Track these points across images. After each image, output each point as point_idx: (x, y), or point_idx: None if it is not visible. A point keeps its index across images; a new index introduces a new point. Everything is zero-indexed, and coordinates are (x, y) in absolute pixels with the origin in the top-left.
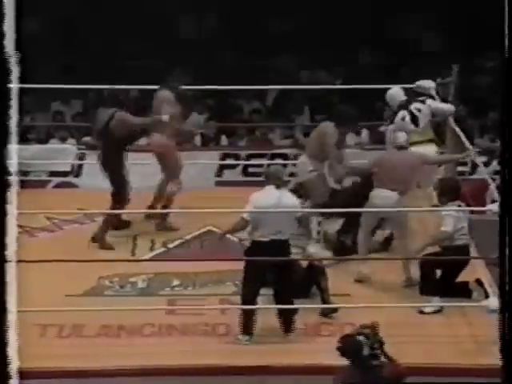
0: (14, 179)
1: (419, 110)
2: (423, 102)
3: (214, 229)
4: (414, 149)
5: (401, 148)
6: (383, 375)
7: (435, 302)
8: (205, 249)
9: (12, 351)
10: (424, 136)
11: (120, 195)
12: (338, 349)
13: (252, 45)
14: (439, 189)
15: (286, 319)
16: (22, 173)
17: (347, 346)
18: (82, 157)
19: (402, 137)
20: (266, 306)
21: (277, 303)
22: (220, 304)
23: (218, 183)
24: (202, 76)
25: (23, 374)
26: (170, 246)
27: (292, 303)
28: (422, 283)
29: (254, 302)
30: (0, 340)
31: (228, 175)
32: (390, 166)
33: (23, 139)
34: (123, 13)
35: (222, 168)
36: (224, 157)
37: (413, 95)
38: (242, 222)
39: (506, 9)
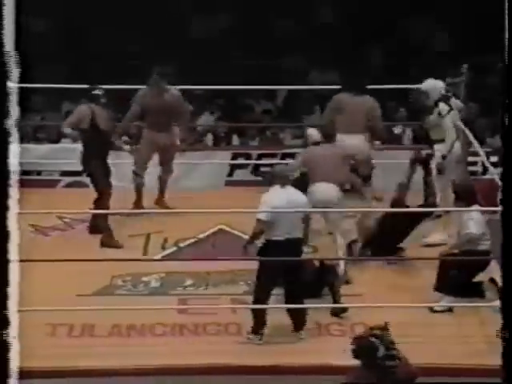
0: (15, 179)
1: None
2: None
3: (226, 228)
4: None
5: (318, 143)
6: (398, 376)
7: (446, 302)
8: (217, 248)
9: (13, 351)
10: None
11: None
12: (353, 351)
13: (262, 45)
14: (455, 194)
15: (298, 318)
16: (34, 172)
17: (362, 348)
18: None
19: (315, 134)
20: (276, 306)
21: (288, 302)
22: (232, 304)
23: (229, 183)
24: (213, 76)
25: (33, 374)
26: (182, 245)
27: (303, 302)
28: (437, 280)
29: (266, 302)
30: (1, 340)
31: (239, 175)
32: (320, 161)
33: (34, 139)
34: (135, 12)
35: (232, 168)
36: (235, 157)
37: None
38: (260, 224)
39: (506, 9)
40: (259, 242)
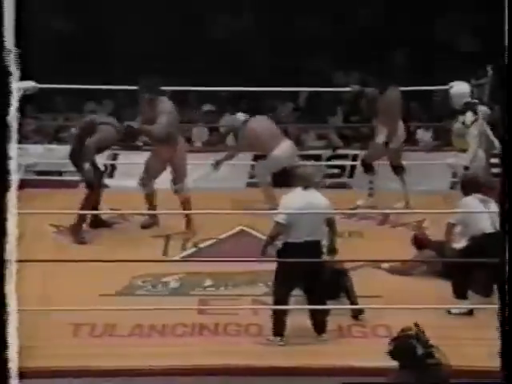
0: (14, 179)
1: (487, 113)
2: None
3: (247, 229)
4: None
5: None
6: (440, 373)
7: (465, 305)
8: (237, 249)
9: (12, 351)
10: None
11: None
12: (390, 352)
13: (285, 45)
14: (460, 185)
15: (319, 320)
16: (55, 173)
17: (400, 348)
18: (114, 157)
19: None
20: (297, 307)
21: (309, 304)
22: (252, 304)
23: (250, 184)
24: (237, 77)
25: (56, 373)
26: (202, 245)
27: (324, 304)
28: (454, 284)
29: (286, 304)
30: (1, 340)
31: None
32: None
33: (56, 139)
34: (156, 14)
35: (253, 169)
36: (256, 158)
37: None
38: (279, 226)
39: (506, 9)
40: (278, 243)
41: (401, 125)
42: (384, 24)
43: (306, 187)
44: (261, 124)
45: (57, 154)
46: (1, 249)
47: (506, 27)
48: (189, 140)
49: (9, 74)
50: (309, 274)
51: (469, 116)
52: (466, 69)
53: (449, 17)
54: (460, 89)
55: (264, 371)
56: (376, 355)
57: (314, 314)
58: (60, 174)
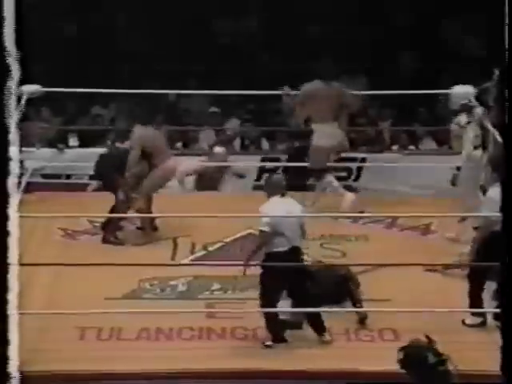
0: (15, 183)
1: (485, 115)
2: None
3: (255, 232)
4: (477, 152)
5: None
6: (452, 380)
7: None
8: (245, 252)
9: (13, 354)
10: (481, 140)
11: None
12: (400, 361)
13: (291, 49)
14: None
15: (314, 321)
16: (63, 176)
17: (411, 356)
18: None
19: None
20: (297, 310)
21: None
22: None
23: (257, 187)
24: (243, 80)
25: (62, 377)
26: (210, 248)
27: (307, 306)
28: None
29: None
30: (2, 342)
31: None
32: None
33: (64, 143)
34: (160, 17)
35: (261, 172)
36: (263, 161)
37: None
38: (264, 235)
39: (507, 9)
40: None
41: (335, 124)
42: (391, 28)
43: (282, 195)
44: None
45: (65, 158)
46: (4, 252)
47: (507, 27)
48: (196, 142)
49: (9, 77)
50: (293, 278)
51: (463, 117)
52: (472, 73)
53: (456, 20)
54: (459, 90)
55: (271, 375)
56: (383, 359)
57: (308, 317)
58: (68, 177)
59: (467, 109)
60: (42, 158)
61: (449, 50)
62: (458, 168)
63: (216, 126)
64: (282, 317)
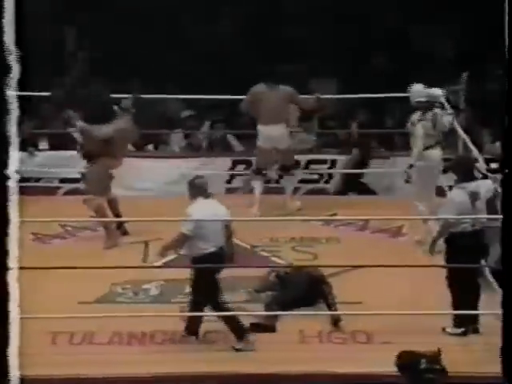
0: (15, 186)
1: (441, 116)
2: (443, 107)
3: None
4: (430, 152)
5: None
6: None
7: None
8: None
9: (13, 358)
10: (438, 139)
11: None
12: (396, 364)
13: (261, 52)
14: (452, 168)
15: (231, 326)
16: (34, 179)
17: (404, 360)
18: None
19: None
20: (290, 313)
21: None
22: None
23: (229, 190)
24: (214, 84)
25: (34, 382)
26: (182, 252)
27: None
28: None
29: (202, 310)
30: (2, 347)
31: (238, 182)
32: None
33: (34, 146)
34: (138, 22)
35: (232, 174)
36: (235, 164)
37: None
38: (183, 236)
39: (507, 9)
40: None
41: (281, 126)
42: (362, 30)
43: (206, 197)
44: None
45: (35, 161)
46: (3, 256)
47: (506, 28)
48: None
49: (7, 82)
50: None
51: (416, 115)
52: (442, 75)
53: (425, 23)
54: (415, 88)
55: (244, 378)
56: (356, 361)
57: (225, 320)
58: (37, 180)
59: (421, 107)
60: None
61: (418, 52)
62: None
63: (191, 129)
64: (254, 320)
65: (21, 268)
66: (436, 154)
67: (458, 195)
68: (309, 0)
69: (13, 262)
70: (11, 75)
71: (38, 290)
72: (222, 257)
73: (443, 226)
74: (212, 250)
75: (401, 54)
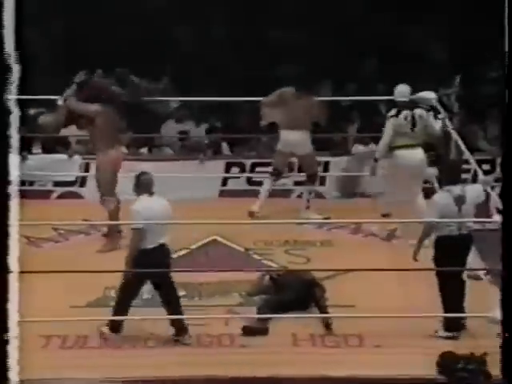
0: (15, 190)
1: (420, 117)
2: (428, 110)
3: (219, 238)
4: (403, 151)
5: None
6: None
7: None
8: (210, 258)
9: (13, 361)
10: (415, 141)
11: None
12: (436, 362)
13: (256, 56)
14: (439, 169)
15: (175, 323)
16: (27, 183)
17: (444, 359)
18: (86, 167)
19: None
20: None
21: (165, 306)
22: (226, 315)
23: (223, 193)
24: (206, 88)
25: None
26: (175, 255)
27: (179, 306)
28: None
29: (128, 304)
30: (1, 350)
31: (233, 184)
32: None
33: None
34: (128, 26)
35: (226, 177)
36: (228, 166)
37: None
38: (137, 233)
39: (506, 9)
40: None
41: (303, 132)
42: (355, 33)
43: (150, 194)
44: None
45: (29, 164)
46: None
47: (507, 28)
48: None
49: (7, 86)
50: (159, 273)
51: (392, 111)
52: (435, 78)
53: (419, 26)
54: (398, 88)
55: (235, 382)
56: (348, 364)
57: (169, 313)
58: (31, 184)
59: (403, 106)
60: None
61: (410, 54)
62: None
63: (182, 120)
64: (246, 323)
65: (21, 272)
66: (410, 154)
67: (442, 198)
68: (302, 3)
69: (13, 265)
70: (11, 78)
71: (31, 293)
72: (164, 253)
73: (425, 228)
74: (153, 245)
75: (394, 57)
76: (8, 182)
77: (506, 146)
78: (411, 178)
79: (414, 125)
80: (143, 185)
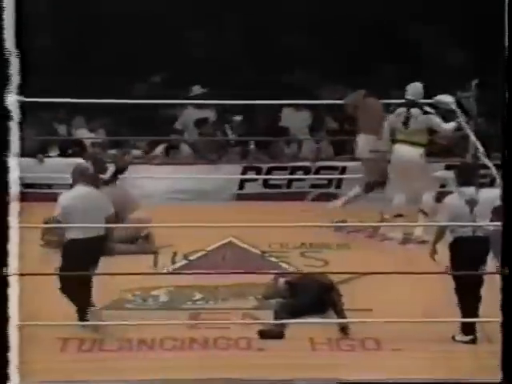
0: (16, 192)
1: (416, 117)
2: (426, 112)
3: (235, 240)
4: (397, 146)
5: None
6: None
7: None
8: (226, 261)
9: (13, 365)
10: (410, 138)
11: None
12: None
13: (270, 61)
14: (456, 171)
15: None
16: (44, 186)
17: None
18: None
19: None
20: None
21: None
22: (242, 318)
23: (240, 196)
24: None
25: None
26: (192, 258)
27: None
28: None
29: (74, 287)
30: (1, 352)
31: (249, 188)
32: None
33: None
34: (139, 32)
35: (242, 180)
36: (245, 170)
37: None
38: (54, 221)
39: (506, 9)
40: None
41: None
42: (372, 37)
43: (86, 184)
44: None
45: (46, 167)
46: (3, 263)
47: (506, 27)
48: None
49: (7, 89)
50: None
51: (391, 107)
52: (453, 82)
53: (436, 30)
54: (411, 85)
55: None
56: (365, 368)
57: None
58: (49, 187)
59: (406, 104)
60: (22, 167)
61: (428, 59)
62: None
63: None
64: (262, 327)
65: (21, 274)
66: (403, 149)
67: (453, 199)
68: (316, 6)
69: (13, 268)
70: (11, 81)
71: (46, 296)
72: (96, 246)
73: (437, 230)
74: (82, 236)
75: (411, 60)
76: (8, 185)
77: (505, 146)
78: (408, 174)
79: (406, 123)
80: (78, 174)
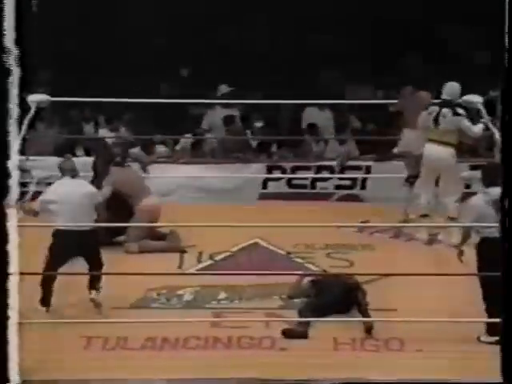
0: (15, 193)
1: (444, 116)
2: (457, 113)
3: (261, 241)
4: (428, 144)
5: None
6: None
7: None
8: (251, 261)
9: (13, 364)
10: (441, 137)
11: None
12: None
13: (297, 59)
14: (481, 172)
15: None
16: None
17: None
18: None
19: None
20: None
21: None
22: (266, 318)
23: (263, 195)
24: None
25: None
26: (217, 258)
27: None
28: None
29: (55, 278)
30: (2, 349)
31: (273, 187)
32: None
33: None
34: (166, 31)
35: (266, 179)
36: (270, 169)
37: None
38: (33, 212)
39: (507, 9)
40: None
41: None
42: (397, 36)
43: (73, 176)
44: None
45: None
46: (3, 262)
47: (507, 27)
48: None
49: (8, 89)
50: (85, 247)
51: (432, 108)
52: (482, 81)
53: (463, 29)
54: (447, 85)
55: None
56: (389, 369)
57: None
58: None
59: (441, 104)
60: (49, 166)
61: (458, 58)
62: None
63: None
64: (287, 326)
65: (21, 273)
66: (432, 148)
67: (478, 200)
68: (345, 5)
69: (13, 267)
70: (11, 77)
71: (72, 294)
72: (81, 235)
73: (463, 231)
74: (69, 228)
75: (438, 59)
76: (7, 185)
77: (505, 147)
78: (435, 173)
79: (436, 122)
80: (64, 167)
